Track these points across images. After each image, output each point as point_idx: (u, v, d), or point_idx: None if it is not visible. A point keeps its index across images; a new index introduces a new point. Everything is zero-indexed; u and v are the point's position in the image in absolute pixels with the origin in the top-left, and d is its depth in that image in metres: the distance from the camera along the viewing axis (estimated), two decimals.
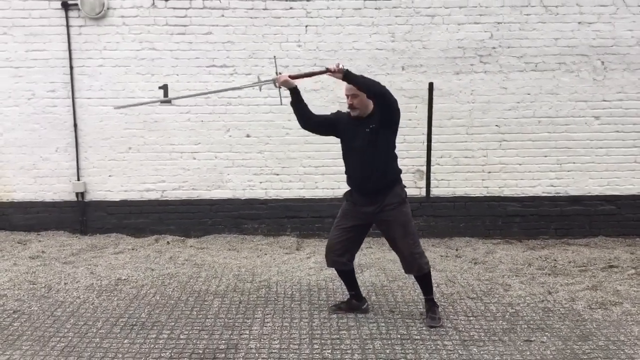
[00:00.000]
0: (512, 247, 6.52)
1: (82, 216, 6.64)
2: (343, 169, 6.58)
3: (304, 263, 5.84)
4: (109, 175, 6.63)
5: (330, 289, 5.12)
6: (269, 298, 4.88)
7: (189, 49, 6.43)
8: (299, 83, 4.38)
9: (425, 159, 6.71)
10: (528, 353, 3.89)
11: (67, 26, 6.30)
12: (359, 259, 6.01)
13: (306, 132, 6.47)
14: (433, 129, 6.65)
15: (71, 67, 6.36)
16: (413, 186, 6.74)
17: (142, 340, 4.03)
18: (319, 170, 6.71)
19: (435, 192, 6.76)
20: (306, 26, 6.45)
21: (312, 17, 6.42)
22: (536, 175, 6.74)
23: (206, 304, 4.74)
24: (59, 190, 6.61)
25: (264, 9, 6.38)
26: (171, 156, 6.63)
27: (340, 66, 4.13)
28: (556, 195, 6.76)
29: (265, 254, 6.16)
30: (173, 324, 4.33)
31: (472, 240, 6.74)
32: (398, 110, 4.18)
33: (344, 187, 6.79)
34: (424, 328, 4.28)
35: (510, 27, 6.46)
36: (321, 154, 6.67)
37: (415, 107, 6.62)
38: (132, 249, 6.20)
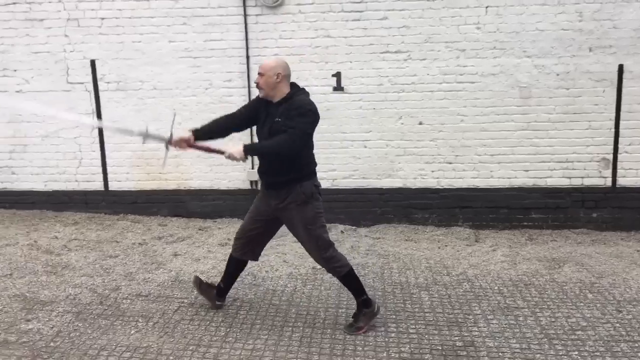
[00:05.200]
0: None
1: None
2: (520, 157, 6.46)
3: (492, 256, 5.61)
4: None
5: (536, 284, 4.87)
6: (477, 293, 4.68)
7: (363, 35, 6.29)
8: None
9: (612, 147, 6.27)
10: None
11: (245, 15, 6.31)
12: (551, 252, 5.73)
13: (483, 120, 6.40)
14: (622, 114, 6.19)
15: (247, 57, 6.39)
16: (597, 175, 6.33)
17: (372, 333, 3.95)
18: (495, 159, 6.43)
19: (622, 182, 6.32)
20: (486, 7, 6.15)
21: None
22: None
23: (415, 296, 4.63)
24: (234, 178, 6.70)
25: None
26: (342, 144, 6.55)
27: (236, 154, 3.70)
28: None
29: (446, 246, 5.98)
30: (394, 316, 4.23)
31: None
32: (306, 134, 3.84)
33: (521, 177, 6.56)
34: None
35: None
36: (497, 141, 6.39)
37: (603, 91, 6.18)
38: None
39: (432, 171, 6.53)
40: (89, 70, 6.55)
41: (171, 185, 6.76)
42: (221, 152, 3.80)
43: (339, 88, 6.43)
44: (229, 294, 4.54)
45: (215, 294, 4.33)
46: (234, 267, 4.31)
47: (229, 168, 6.67)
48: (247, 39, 6.36)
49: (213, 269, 5.17)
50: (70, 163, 6.78)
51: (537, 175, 6.45)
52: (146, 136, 3.92)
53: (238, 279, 4.93)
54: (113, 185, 6.80)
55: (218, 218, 6.75)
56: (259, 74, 3.93)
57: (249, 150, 3.78)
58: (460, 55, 6.25)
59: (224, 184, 6.73)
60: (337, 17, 6.28)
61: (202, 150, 3.98)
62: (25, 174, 6.85)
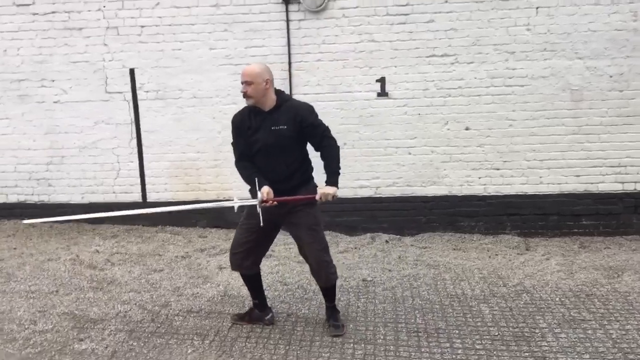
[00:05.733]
0: None
1: None
2: (571, 162, 6.24)
3: (547, 265, 5.39)
4: (323, 173, 6.46)
5: (598, 295, 4.65)
6: (539, 305, 4.47)
7: (409, 38, 6.12)
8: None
9: None
10: None
11: (287, 21, 6.19)
12: (607, 261, 5.50)
13: (532, 124, 6.20)
14: None
15: (289, 63, 6.25)
16: None
17: (439, 350, 3.77)
18: (545, 164, 6.21)
19: None
20: (537, 8, 5.95)
21: None
22: None
23: (474, 309, 4.43)
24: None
25: None
26: (386, 151, 6.38)
27: (331, 191, 3.76)
28: None
29: (496, 255, 5.77)
30: (457, 331, 4.04)
31: None
32: None
33: (572, 182, 6.33)
34: None
35: None
36: (547, 146, 6.18)
37: None
38: (355, 248, 6.02)
39: (479, 178, 6.33)
40: (128, 79, 6.46)
41: (210, 195, 6.62)
42: (312, 198, 3.80)
43: (383, 93, 6.26)
44: (281, 309, 4.42)
45: (258, 312, 4.19)
46: (252, 282, 4.17)
47: None
48: (289, 45, 6.22)
49: None
50: (108, 174, 6.69)
51: (589, 180, 6.22)
52: (241, 205, 3.93)
53: (289, 293, 4.83)
54: (151, 197, 6.69)
55: None
56: (245, 82, 3.74)
57: (335, 182, 3.84)
58: (510, 57, 6.05)
59: None
60: (382, 20, 6.12)
61: (293, 201, 3.83)
62: (62, 186, 6.77)
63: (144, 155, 6.62)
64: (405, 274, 5.25)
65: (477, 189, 6.37)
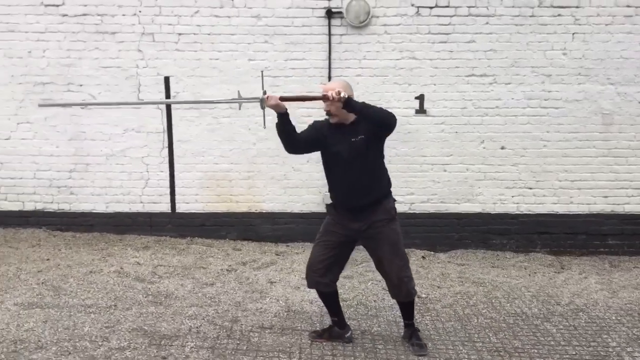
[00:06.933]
0: None
1: None
2: (600, 183, 6.45)
3: (587, 284, 5.53)
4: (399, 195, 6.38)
5: None
6: (600, 324, 4.57)
7: (449, 57, 6.22)
8: (288, 107, 3.73)
9: None
10: None
11: (329, 35, 6.17)
12: None
13: (565, 145, 6.37)
14: None
15: (329, 77, 6.21)
16: None
17: None
18: (575, 185, 6.40)
19: None
20: (573, 34, 6.16)
21: (580, 25, 6.13)
22: None
23: (541, 328, 4.48)
24: (308, 201, 6.46)
25: (530, 16, 6.12)
26: (422, 168, 6.42)
27: (342, 94, 3.58)
28: None
29: (535, 273, 5.87)
30: (536, 351, 4.07)
31: None
32: (395, 125, 3.83)
33: (600, 203, 6.55)
34: None
35: None
36: (579, 167, 6.37)
37: None
38: None
39: (512, 196, 6.45)
40: (162, 87, 6.27)
41: (242, 207, 6.49)
42: (319, 98, 3.67)
43: (421, 111, 6.32)
44: (351, 326, 4.32)
45: (338, 329, 4.13)
46: (330, 299, 4.10)
47: (304, 190, 6.45)
48: (330, 59, 6.20)
49: (317, 300, 4.92)
50: (136, 184, 6.45)
51: (616, 201, 6.44)
52: (240, 101, 3.88)
53: (351, 309, 4.75)
54: (180, 207, 6.49)
55: (290, 242, 6.49)
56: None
57: (351, 100, 3.64)
58: (546, 80, 6.23)
59: (297, 207, 6.49)
60: (424, 39, 6.19)
61: (297, 101, 3.76)
62: (86, 195, 6.48)
63: (175, 165, 6.42)
64: (456, 291, 5.27)
65: (509, 207, 6.48)
